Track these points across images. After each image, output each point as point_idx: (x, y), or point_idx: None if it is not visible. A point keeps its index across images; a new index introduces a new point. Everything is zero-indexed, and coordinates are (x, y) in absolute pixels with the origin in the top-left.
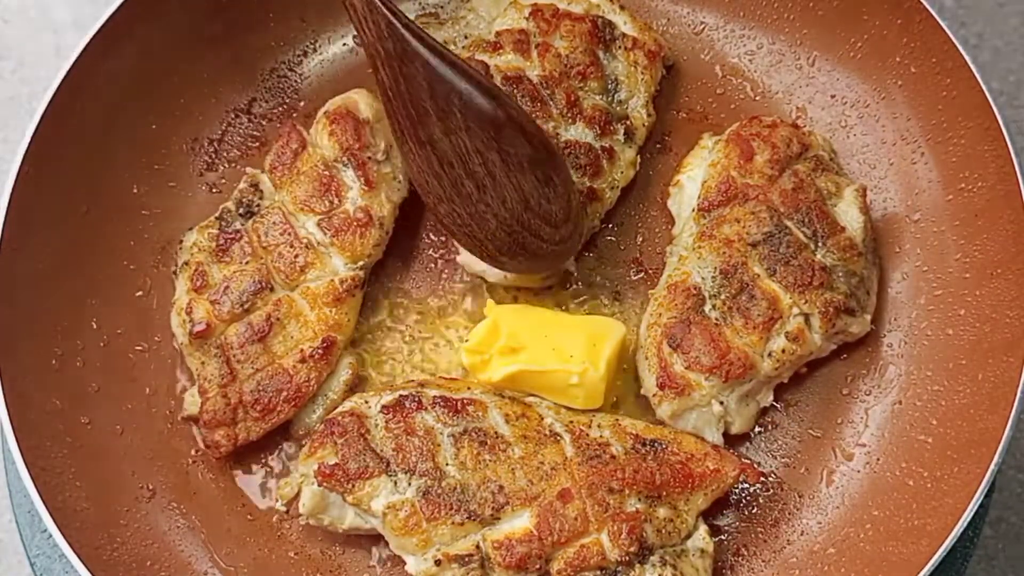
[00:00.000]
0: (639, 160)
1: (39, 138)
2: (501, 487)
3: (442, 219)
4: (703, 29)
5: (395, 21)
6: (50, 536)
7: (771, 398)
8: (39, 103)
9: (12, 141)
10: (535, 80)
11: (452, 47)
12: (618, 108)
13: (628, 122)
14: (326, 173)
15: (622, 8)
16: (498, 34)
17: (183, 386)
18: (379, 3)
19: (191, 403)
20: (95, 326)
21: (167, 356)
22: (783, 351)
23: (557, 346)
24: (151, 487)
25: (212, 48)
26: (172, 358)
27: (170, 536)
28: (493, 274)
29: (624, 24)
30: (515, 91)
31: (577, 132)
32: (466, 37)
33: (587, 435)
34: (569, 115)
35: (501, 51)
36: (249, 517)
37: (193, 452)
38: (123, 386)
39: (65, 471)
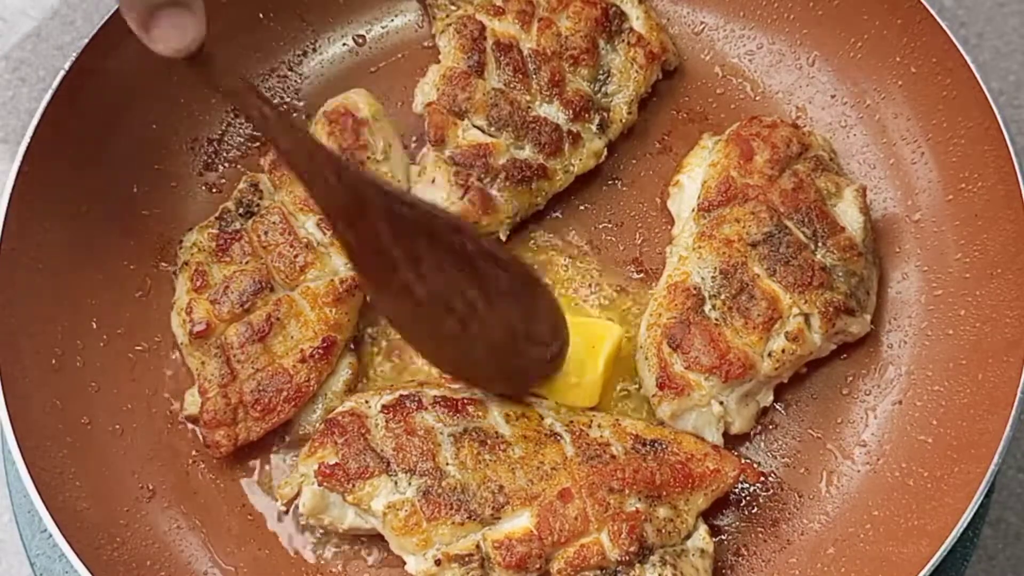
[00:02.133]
0: (605, 153)
1: (39, 138)
2: (501, 487)
3: (429, 357)
4: (703, 29)
5: (341, 171)
6: (50, 536)
7: (771, 398)
8: (39, 103)
9: (12, 141)
10: (525, 52)
11: (462, 2)
12: (602, 99)
13: (607, 114)
14: None
15: (641, 2)
16: (506, 0)
17: (183, 386)
18: (326, 159)
19: (191, 403)
20: (95, 326)
21: (167, 356)
22: (783, 351)
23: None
24: (151, 487)
25: (212, 49)
26: (172, 358)
27: (170, 536)
28: None
29: (636, 19)
30: (502, 58)
31: (550, 111)
32: None
33: (587, 435)
34: (547, 93)
35: (503, 16)
36: (249, 517)
37: (193, 452)
38: (123, 386)
39: (65, 471)
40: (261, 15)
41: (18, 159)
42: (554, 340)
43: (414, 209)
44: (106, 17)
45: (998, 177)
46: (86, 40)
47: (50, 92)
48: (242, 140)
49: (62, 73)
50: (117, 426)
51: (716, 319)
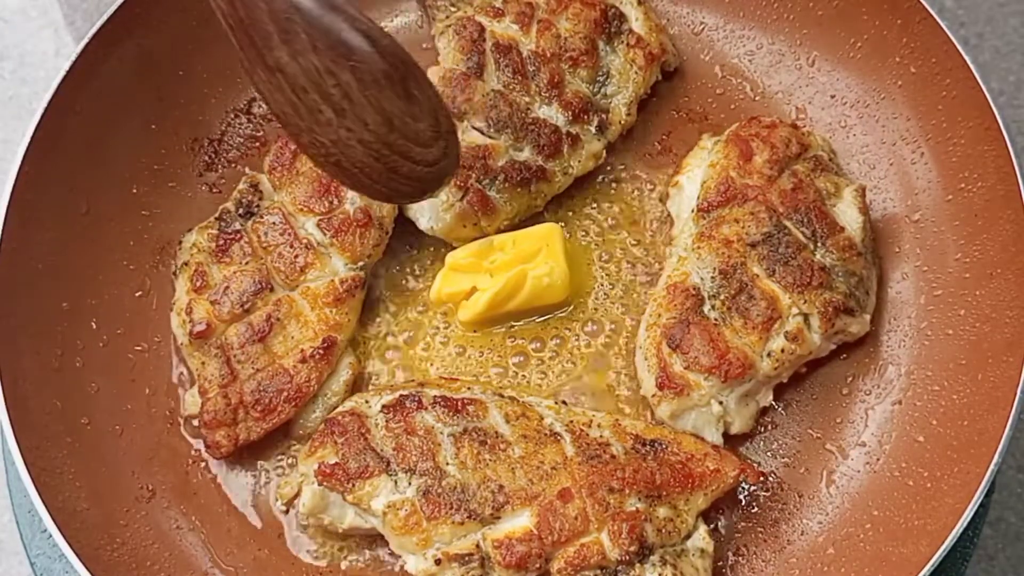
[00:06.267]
0: (604, 155)
1: (39, 138)
2: (501, 486)
3: (307, 150)
4: (703, 29)
5: None
6: (50, 536)
7: (771, 398)
8: (39, 103)
9: (12, 141)
10: (525, 54)
11: (461, 3)
12: (601, 101)
13: (606, 116)
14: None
15: (640, 3)
16: (505, 1)
17: (183, 387)
18: None
19: (191, 403)
20: (95, 326)
21: (167, 356)
22: (782, 351)
23: (512, 260)
24: (151, 487)
25: (211, 48)
26: (172, 358)
27: (170, 537)
28: (425, 223)
29: (636, 20)
30: (502, 60)
31: (549, 112)
32: None
33: (587, 435)
34: (547, 95)
35: (502, 18)
36: (249, 518)
37: (193, 452)
38: (123, 386)
39: (65, 471)
40: None
41: (18, 159)
42: (435, 141)
43: None
44: (105, 18)
45: (998, 177)
46: (85, 40)
47: (49, 92)
48: (242, 140)
49: (62, 73)
50: (117, 426)
51: (715, 319)
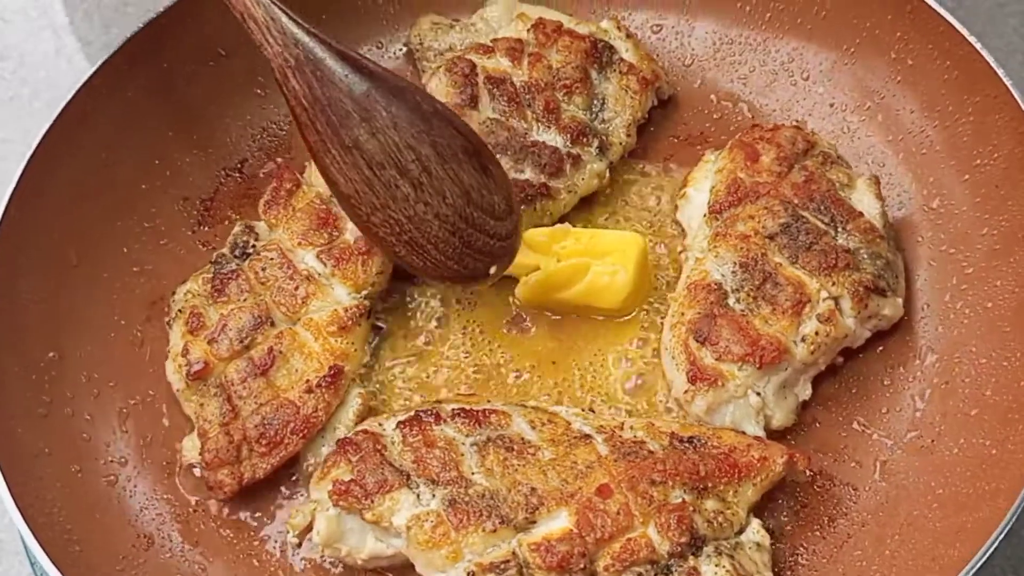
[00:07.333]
0: (608, 175)
1: (24, 190)
2: (533, 489)
3: (377, 231)
4: (693, 61)
5: (299, 28)
6: None
7: (809, 391)
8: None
9: (12, 141)
10: (518, 84)
11: (450, 52)
12: (599, 126)
13: (605, 138)
14: (323, 208)
15: (628, 36)
16: (494, 40)
17: (179, 437)
18: (280, 11)
19: (190, 448)
20: (84, 377)
21: (162, 408)
22: (816, 334)
23: (582, 251)
24: (147, 535)
25: (203, 107)
26: (167, 410)
27: None
28: None
29: (626, 51)
30: (495, 90)
31: (548, 136)
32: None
33: (620, 436)
34: (544, 120)
35: (492, 54)
36: (256, 563)
37: (193, 501)
38: (116, 437)
39: (56, 513)
40: (251, 73)
41: (1, 208)
42: (508, 215)
43: (368, 68)
44: (92, 71)
45: (1015, 141)
46: (72, 94)
47: (33, 145)
48: (234, 198)
49: (46, 127)
50: (111, 476)
51: (742, 310)
